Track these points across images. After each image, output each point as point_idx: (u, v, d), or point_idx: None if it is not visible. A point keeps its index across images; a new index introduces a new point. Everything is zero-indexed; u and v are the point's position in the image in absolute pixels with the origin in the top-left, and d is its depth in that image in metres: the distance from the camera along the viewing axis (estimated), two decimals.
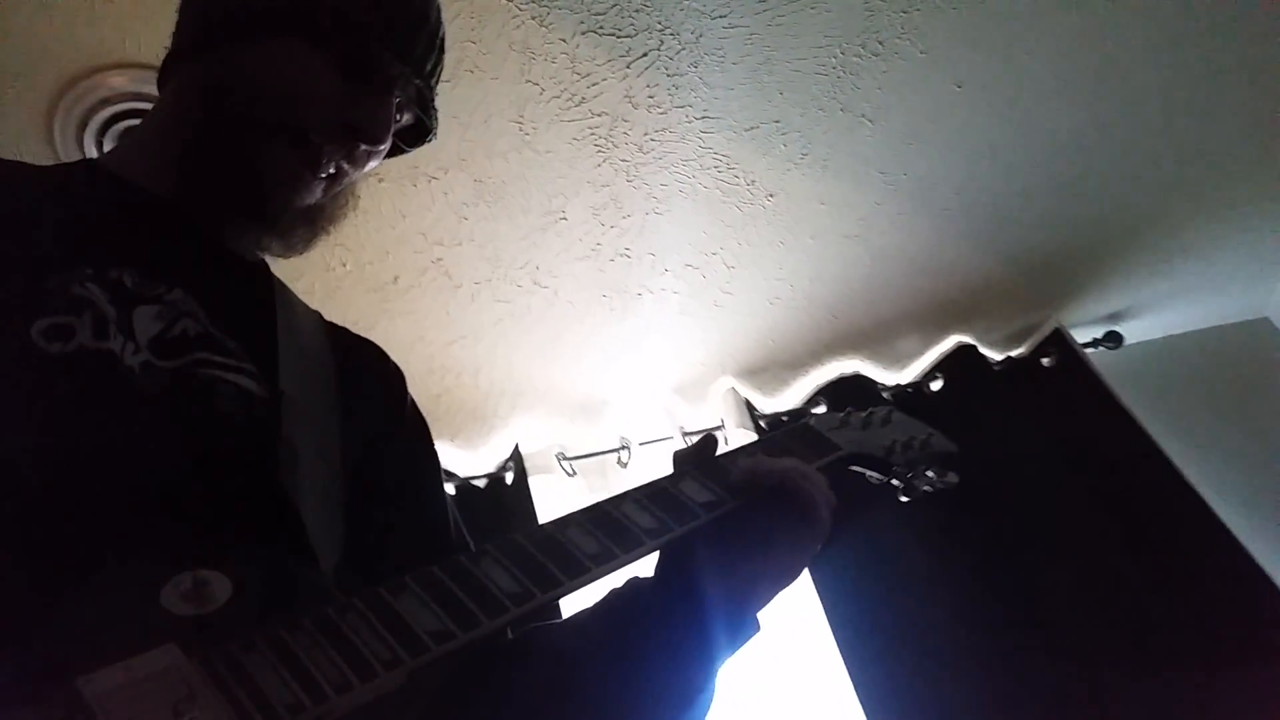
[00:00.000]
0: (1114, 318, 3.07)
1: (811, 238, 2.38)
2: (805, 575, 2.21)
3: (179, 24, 0.94)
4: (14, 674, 0.50)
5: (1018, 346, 2.89)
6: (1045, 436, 2.65)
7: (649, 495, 0.76)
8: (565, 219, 2.14)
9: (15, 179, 0.84)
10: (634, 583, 0.81)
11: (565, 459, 2.47)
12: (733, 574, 0.78)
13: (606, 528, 0.71)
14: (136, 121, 1.73)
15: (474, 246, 2.13)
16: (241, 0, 0.89)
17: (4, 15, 1.55)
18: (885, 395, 2.71)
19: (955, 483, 0.94)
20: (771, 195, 2.24)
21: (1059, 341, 2.88)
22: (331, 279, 2.08)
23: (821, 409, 2.67)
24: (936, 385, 2.74)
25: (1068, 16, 2.02)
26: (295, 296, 0.96)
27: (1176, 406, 2.91)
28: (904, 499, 0.94)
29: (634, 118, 1.99)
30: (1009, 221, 2.54)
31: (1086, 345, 2.98)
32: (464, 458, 2.49)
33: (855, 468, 0.94)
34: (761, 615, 0.80)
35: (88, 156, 1.76)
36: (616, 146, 2.03)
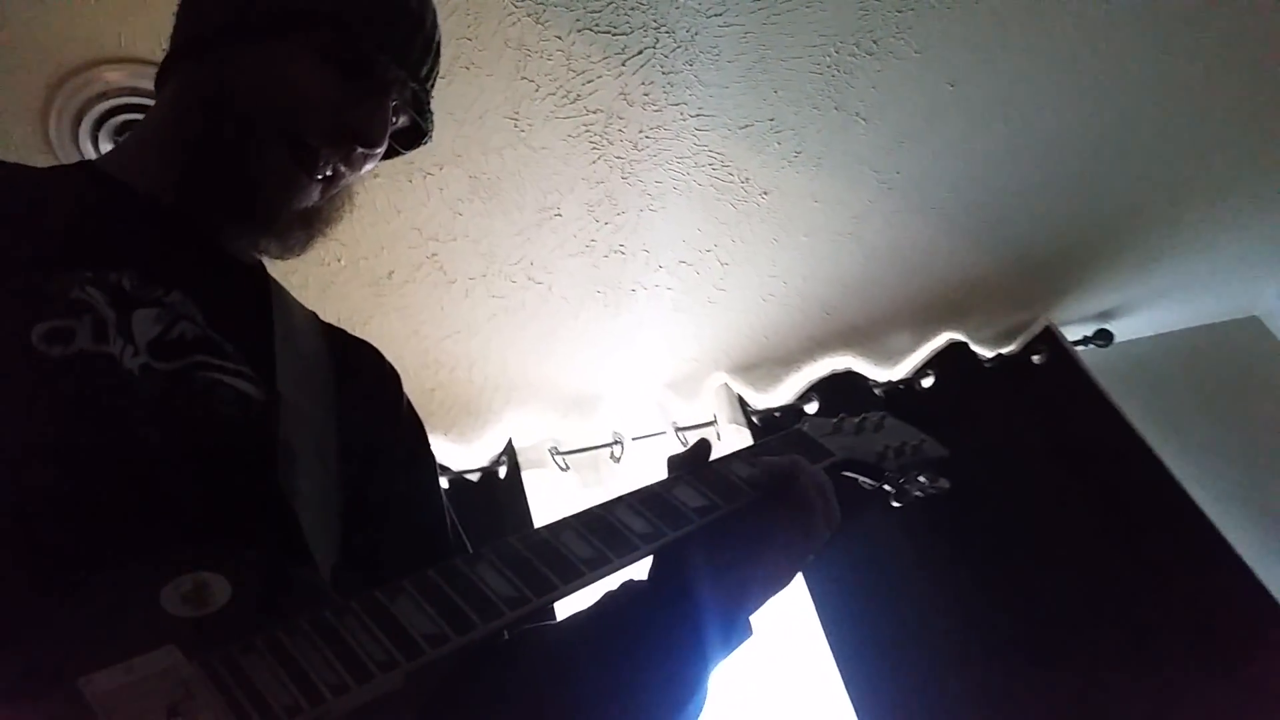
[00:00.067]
0: (1104, 316, 3.09)
1: (805, 235, 2.39)
2: (799, 575, 2.23)
3: (178, 25, 0.95)
4: (15, 674, 0.51)
5: (1009, 344, 2.91)
6: (1035, 433, 2.66)
7: (643, 500, 0.77)
8: (560, 215, 2.14)
9: (14, 181, 0.84)
10: (628, 585, 0.82)
11: (558, 453, 2.48)
12: (725, 577, 0.78)
13: (601, 532, 0.72)
14: (132, 116, 1.73)
15: (469, 242, 2.13)
16: (241, 4, 0.89)
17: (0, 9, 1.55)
18: (877, 392, 2.72)
19: (946, 488, 0.96)
20: (765, 193, 2.24)
21: (1050, 339, 2.90)
22: (326, 273, 2.08)
23: (814, 405, 2.68)
24: (928, 382, 2.75)
25: (1060, 18, 2.03)
26: (292, 298, 0.97)
27: (1165, 404, 2.94)
28: (896, 504, 0.95)
29: (629, 115, 1.99)
30: (1001, 220, 2.55)
31: (1077, 343, 3.00)
32: (458, 452, 2.50)
33: (848, 473, 0.95)
34: (754, 617, 0.81)
35: (82, 149, 1.76)
36: (611, 143, 2.04)
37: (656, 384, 2.64)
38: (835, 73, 2.03)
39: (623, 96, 1.95)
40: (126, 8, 1.60)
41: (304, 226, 0.92)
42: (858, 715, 2.08)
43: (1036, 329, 2.92)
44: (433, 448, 1.04)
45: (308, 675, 0.54)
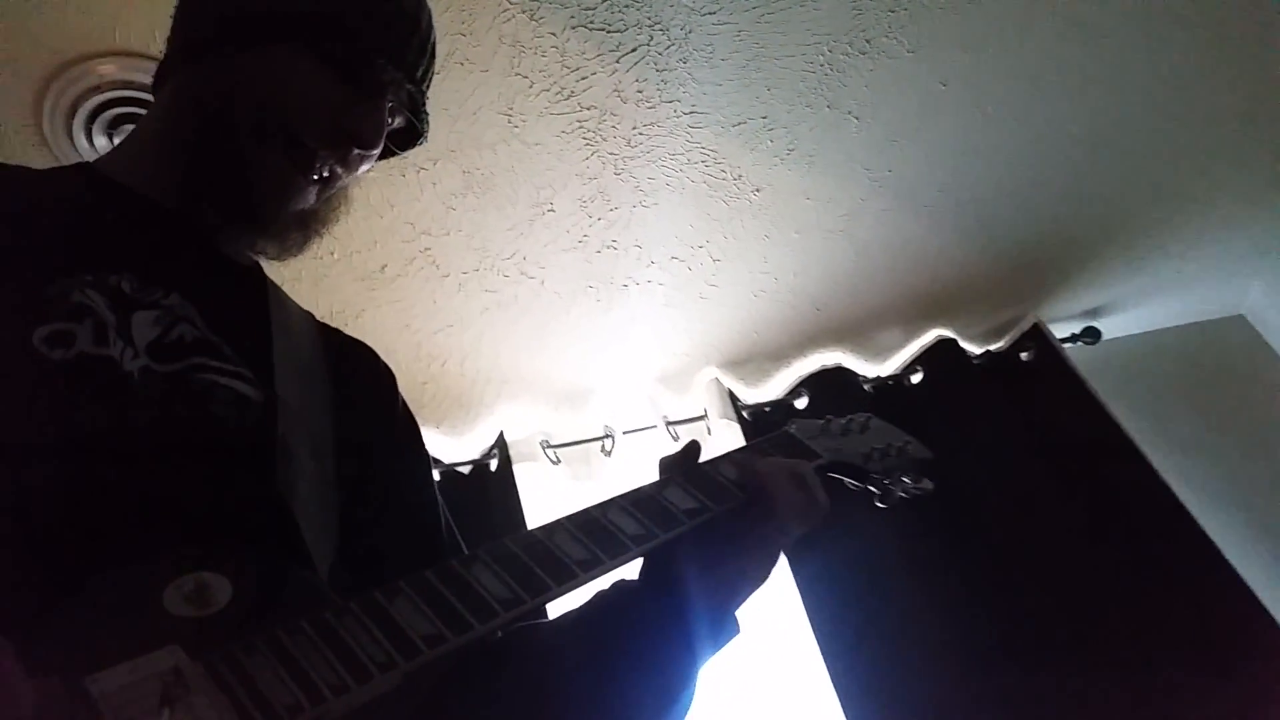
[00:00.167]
0: (1092, 314, 3.12)
1: (796, 232, 2.40)
2: (787, 573, 2.24)
3: (175, 27, 0.95)
4: (18, 674, 0.52)
5: (997, 341, 2.93)
6: (1022, 429, 2.68)
7: (635, 502, 0.78)
8: (553, 210, 2.15)
9: (13, 184, 0.84)
10: (620, 585, 0.84)
11: (550, 447, 2.49)
12: (713, 575, 0.80)
13: (594, 534, 0.73)
14: (126, 109, 1.73)
15: (462, 236, 2.14)
16: (239, 6, 0.90)
17: None
18: (866, 387, 2.74)
19: (930, 489, 0.97)
20: (758, 190, 2.26)
21: (1038, 336, 2.92)
22: (319, 267, 2.09)
23: (803, 400, 2.70)
24: (917, 378, 2.77)
25: (1052, 18, 2.05)
26: (289, 299, 0.98)
27: (1152, 401, 2.96)
28: (880, 505, 0.97)
29: (622, 112, 2.00)
30: (991, 218, 2.57)
31: (1065, 340, 3.02)
32: (449, 444, 2.51)
33: (834, 475, 0.97)
34: (741, 614, 0.83)
35: (76, 142, 1.76)
36: (605, 140, 2.04)
37: (648, 378, 2.65)
38: (828, 71, 2.04)
39: (616, 93, 1.96)
40: (121, 1, 1.60)
41: (301, 228, 0.93)
42: (845, 713, 2.08)
43: (1025, 326, 2.94)
44: (426, 443, 1.05)
45: (309, 675, 0.55)
